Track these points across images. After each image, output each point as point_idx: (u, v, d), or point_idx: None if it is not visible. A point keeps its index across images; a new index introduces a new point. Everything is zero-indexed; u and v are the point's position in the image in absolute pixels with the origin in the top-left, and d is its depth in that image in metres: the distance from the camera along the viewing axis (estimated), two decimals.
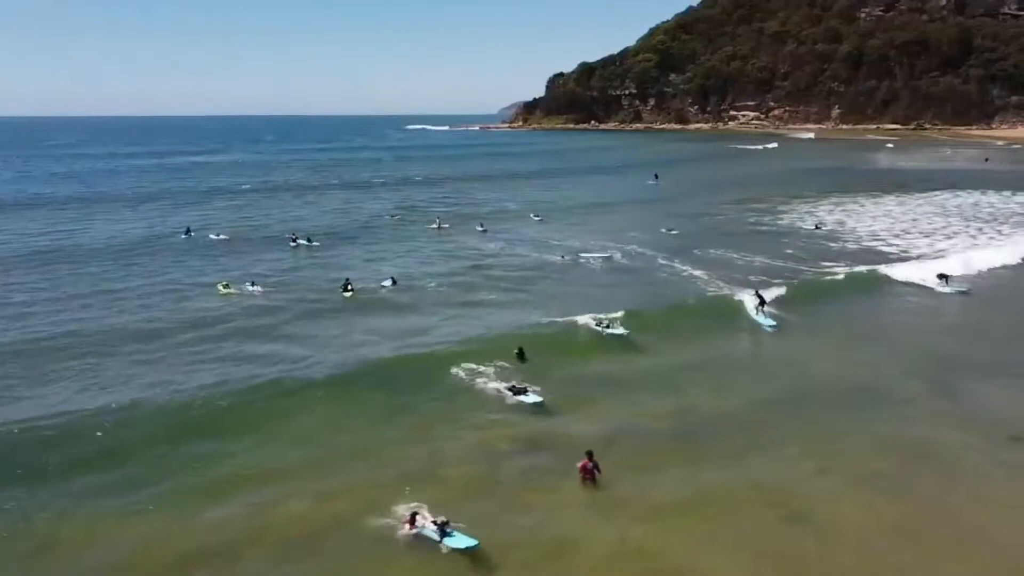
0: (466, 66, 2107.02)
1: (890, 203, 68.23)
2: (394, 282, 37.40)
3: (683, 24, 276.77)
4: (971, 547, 15.27)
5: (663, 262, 42.64)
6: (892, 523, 16.11)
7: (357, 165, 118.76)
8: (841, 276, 37.59)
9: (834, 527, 16.01)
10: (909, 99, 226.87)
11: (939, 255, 44.39)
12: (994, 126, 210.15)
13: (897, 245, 48.70)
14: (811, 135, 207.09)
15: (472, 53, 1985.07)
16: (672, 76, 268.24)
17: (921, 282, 36.80)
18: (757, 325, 30.12)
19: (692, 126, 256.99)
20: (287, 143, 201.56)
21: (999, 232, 54.26)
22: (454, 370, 24.60)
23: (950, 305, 34.53)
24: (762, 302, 30.63)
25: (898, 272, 38.47)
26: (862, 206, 66.25)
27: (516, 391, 22.70)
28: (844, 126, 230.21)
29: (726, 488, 17.60)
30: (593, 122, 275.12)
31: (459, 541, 15.10)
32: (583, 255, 44.33)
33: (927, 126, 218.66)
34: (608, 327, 28.19)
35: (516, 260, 44.13)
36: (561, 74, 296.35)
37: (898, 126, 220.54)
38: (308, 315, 31.86)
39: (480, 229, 54.96)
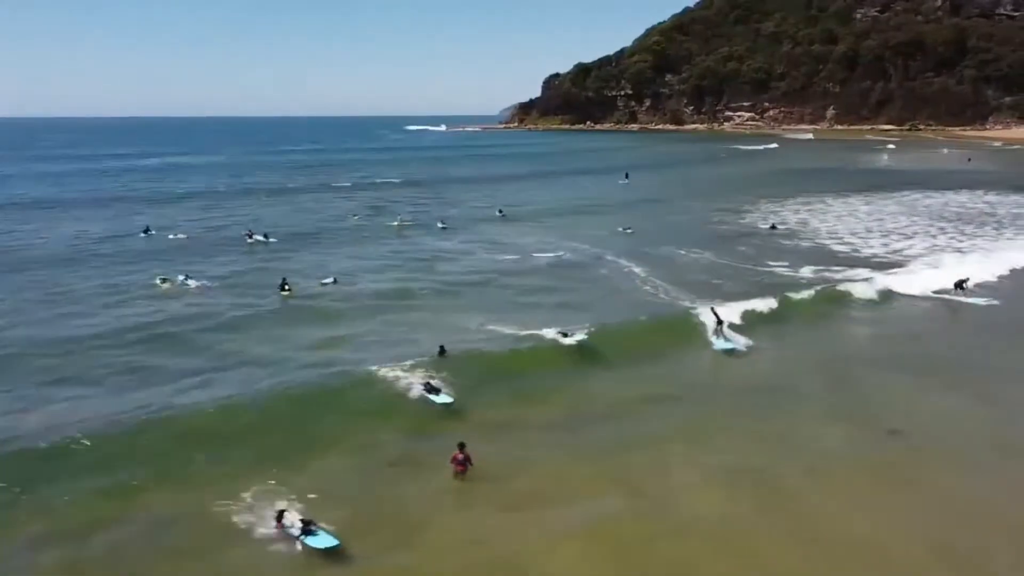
0: (469, 68, 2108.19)
1: (858, 203, 68.36)
2: (335, 280, 37.70)
3: (679, 25, 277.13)
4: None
5: (610, 259, 42.98)
6: (748, 515, 16.30)
7: (339, 166, 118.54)
8: (805, 294, 34.20)
9: (690, 518, 16.21)
10: (904, 100, 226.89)
11: (893, 256, 44.62)
12: (988, 127, 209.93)
13: (851, 245, 48.80)
14: (810, 135, 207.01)
15: (475, 55, 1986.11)
16: (668, 77, 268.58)
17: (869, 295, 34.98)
18: (714, 346, 27.49)
19: (687, 127, 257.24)
20: (278, 144, 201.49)
21: (961, 232, 54.32)
22: (369, 367, 24.29)
23: (916, 316, 33.54)
24: (720, 322, 27.95)
25: (860, 289, 35.32)
26: (829, 205, 66.42)
27: (429, 389, 22.32)
28: (839, 127, 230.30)
29: (594, 481, 17.81)
30: (589, 123, 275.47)
31: (319, 541, 15.03)
32: (534, 254, 44.62)
33: (921, 127, 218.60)
34: (567, 336, 26.37)
35: (464, 259, 44.39)
36: (557, 74, 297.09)
37: (892, 127, 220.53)
38: (237, 314, 32.07)
39: (441, 226, 55.35)
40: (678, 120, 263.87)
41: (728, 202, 68.41)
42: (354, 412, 21.59)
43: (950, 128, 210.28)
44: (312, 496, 16.79)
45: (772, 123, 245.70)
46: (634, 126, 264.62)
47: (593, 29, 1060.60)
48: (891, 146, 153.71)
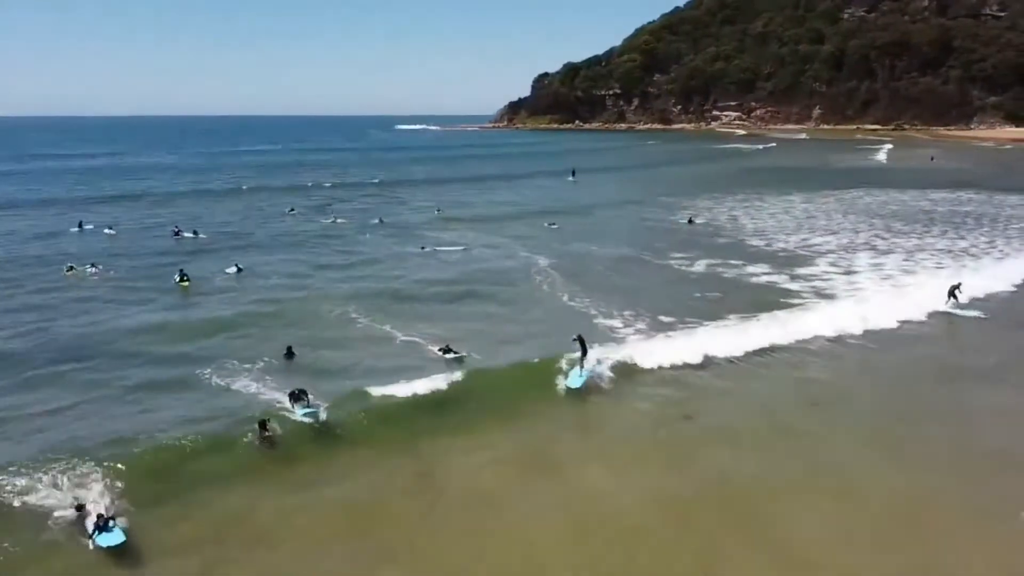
0: (469, 67, 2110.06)
1: (798, 200, 69.45)
2: (239, 270, 38.86)
3: (668, 24, 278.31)
4: None
5: (523, 253, 44.24)
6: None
7: (309, 166, 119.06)
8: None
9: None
10: (889, 100, 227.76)
11: (802, 252, 45.60)
12: (973, 127, 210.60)
13: (768, 240, 49.86)
14: (804, 135, 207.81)
15: (475, 55, 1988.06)
16: (657, 76, 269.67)
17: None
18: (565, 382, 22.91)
19: (675, 126, 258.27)
20: (254, 144, 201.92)
21: (888, 228, 55.12)
22: (211, 366, 24.21)
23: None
24: (584, 352, 23.34)
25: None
26: (764, 202, 67.55)
27: (295, 396, 20.70)
28: (825, 126, 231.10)
29: (379, 467, 18.44)
30: (577, 122, 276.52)
31: (106, 538, 14.78)
32: (442, 248, 45.95)
33: (907, 126, 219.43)
34: (448, 352, 25.35)
35: (375, 250, 46.36)
36: (546, 74, 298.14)
37: (878, 126, 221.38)
38: (118, 298, 33.83)
39: (375, 222, 56.73)
40: (666, 120, 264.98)
41: (667, 199, 69.77)
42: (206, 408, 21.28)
43: (935, 128, 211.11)
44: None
45: (759, 123, 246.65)
46: (622, 125, 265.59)
47: (586, 30, 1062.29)
48: (889, 146, 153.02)
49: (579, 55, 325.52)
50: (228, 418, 20.43)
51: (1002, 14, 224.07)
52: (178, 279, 36.57)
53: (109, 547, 14.69)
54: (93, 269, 38.05)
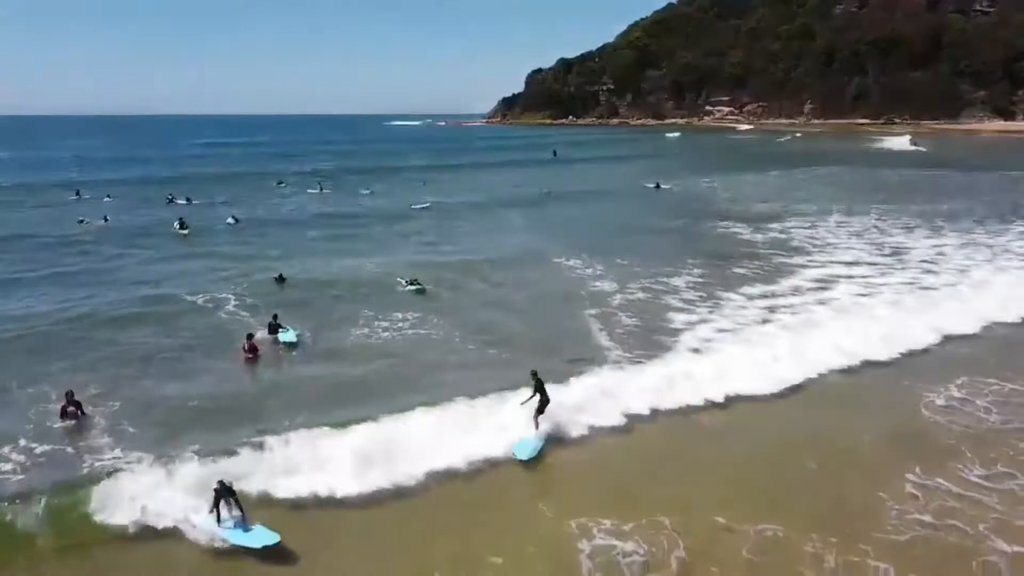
0: (469, 66, 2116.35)
1: (773, 174, 73.74)
2: (236, 220, 42.77)
3: (661, 20, 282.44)
4: None
5: (497, 208, 48.80)
6: None
7: (293, 156, 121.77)
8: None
9: None
10: (879, 95, 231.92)
11: (749, 209, 49.77)
12: (962, 121, 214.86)
13: (719, 200, 54.28)
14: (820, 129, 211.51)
15: (474, 53, 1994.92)
16: (650, 72, 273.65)
17: None
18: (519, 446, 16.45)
19: (668, 121, 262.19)
20: (251, 135, 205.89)
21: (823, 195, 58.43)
22: (226, 305, 26.90)
23: None
24: (543, 401, 16.90)
25: None
26: (741, 175, 71.81)
27: (272, 327, 23.16)
28: (815, 120, 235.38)
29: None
30: (571, 117, 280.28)
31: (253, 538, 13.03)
32: (415, 206, 51.82)
33: (896, 120, 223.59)
34: (409, 284, 28.67)
35: (360, 210, 51.50)
36: (540, 69, 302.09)
37: (868, 120, 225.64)
38: (137, 242, 38.09)
39: (364, 192, 60.88)
40: (659, 115, 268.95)
41: (648, 175, 73.86)
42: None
43: (925, 122, 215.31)
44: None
45: (751, 117, 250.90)
46: (614, 120, 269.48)
47: (580, 26, 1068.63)
48: (908, 138, 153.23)
49: (572, 51, 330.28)
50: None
51: (991, 10, 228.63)
52: (178, 226, 40.59)
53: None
54: (102, 222, 42.03)
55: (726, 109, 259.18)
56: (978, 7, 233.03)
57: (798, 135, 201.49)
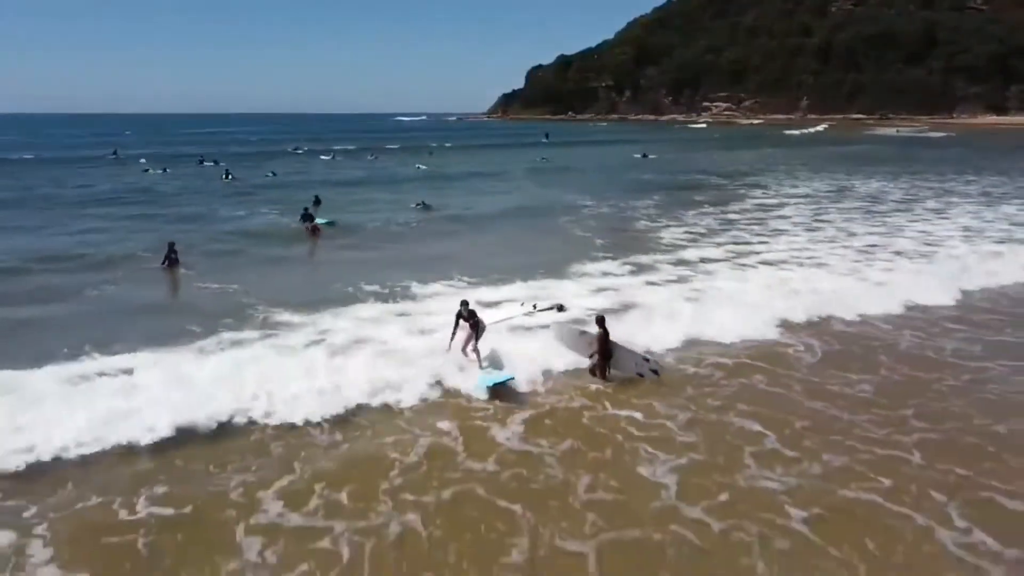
0: (469, 66, 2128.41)
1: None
2: (274, 174, 50.51)
3: (660, 17, 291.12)
4: None
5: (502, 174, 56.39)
6: None
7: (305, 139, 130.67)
8: None
9: None
10: (875, 91, 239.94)
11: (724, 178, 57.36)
12: (956, 116, 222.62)
13: (707, 173, 61.68)
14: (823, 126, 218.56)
15: (476, 52, 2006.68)
16: (648, 68, 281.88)
17: None
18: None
19: (665, 117, 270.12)
20: (234, 126, 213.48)
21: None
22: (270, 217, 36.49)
23: None
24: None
25: None
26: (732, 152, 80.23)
27: (306, 216, 33.13)
28: (811, 116, 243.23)
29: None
30: (570, 113, 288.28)
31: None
32: (419, 166, 60.72)
33: (891, 116, 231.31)
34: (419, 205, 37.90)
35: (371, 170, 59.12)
36: (540, 66, 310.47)
37: (864, 116, 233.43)
38: (186, 184, 45.92)
39: (370, 158, 69.25)
40: (658, 111, 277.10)
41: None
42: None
43: (919, 117, 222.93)
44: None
45: (748, 113, 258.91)
46: (613, 116, 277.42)
47: (579, 23, 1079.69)
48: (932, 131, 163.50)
49: (572, 47, 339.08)
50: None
51: (985, 7, 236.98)
52: (224, 176, 48.17)
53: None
54: (163, 171, 50.09)
55: (723, 105, 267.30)
56: (972, 4, 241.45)
57: (821, 128, 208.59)
